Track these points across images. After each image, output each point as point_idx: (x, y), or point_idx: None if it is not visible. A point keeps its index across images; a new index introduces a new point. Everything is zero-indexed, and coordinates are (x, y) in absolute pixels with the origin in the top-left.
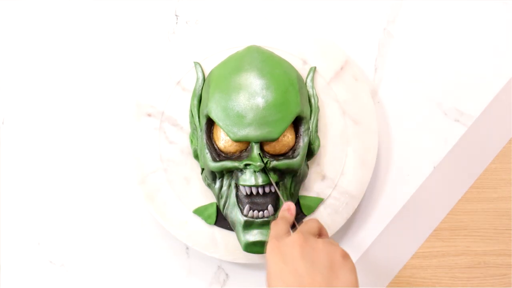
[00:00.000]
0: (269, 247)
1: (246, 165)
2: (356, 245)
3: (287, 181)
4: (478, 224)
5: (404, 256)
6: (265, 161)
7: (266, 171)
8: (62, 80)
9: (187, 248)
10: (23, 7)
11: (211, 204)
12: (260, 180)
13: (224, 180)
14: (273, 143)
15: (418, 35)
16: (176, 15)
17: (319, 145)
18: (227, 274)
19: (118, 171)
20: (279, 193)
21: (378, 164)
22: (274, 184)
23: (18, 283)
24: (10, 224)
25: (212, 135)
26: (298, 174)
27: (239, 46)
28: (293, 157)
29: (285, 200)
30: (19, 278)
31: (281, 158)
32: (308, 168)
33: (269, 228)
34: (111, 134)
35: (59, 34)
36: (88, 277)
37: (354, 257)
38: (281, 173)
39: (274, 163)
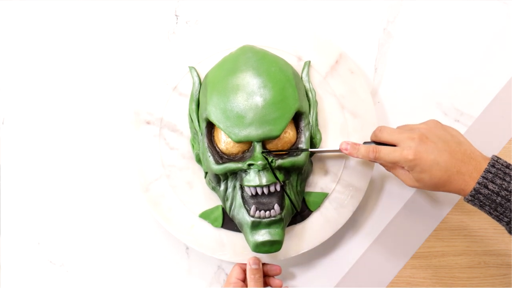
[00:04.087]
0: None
1: (249, 165)
2: (357, 244)
3: (293, 179)
4: (478, 224)
5: (404, 256)
6: (270, 160)
7: (272, 170)
8: (62, 81)
9: (187, 248)
10: (23, 9)
11: (217, 207)
12: (264, 180)
13: (229, 182)
14: (275, 141)
15: (418, 35)
16: (176, 15)
17: (320, 139)
18: (227, 274)
19: (121, 178)
20: (287, 191)
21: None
22: (280, 183)
23: (18, 283)
24: (10, 224)
25: (213, 138)
26: (303, 171)
27: (236, 46)
28: (297, 155)
29: (291, 199)
30: (19, 278)
31: (286, 156)
32: (312, 164)
33: (276, 227)
34: (111, 144)
35: (59, 34)
36: (88, 277)
37: (355, 257)
38: (286, 171)
39: (279, 161)
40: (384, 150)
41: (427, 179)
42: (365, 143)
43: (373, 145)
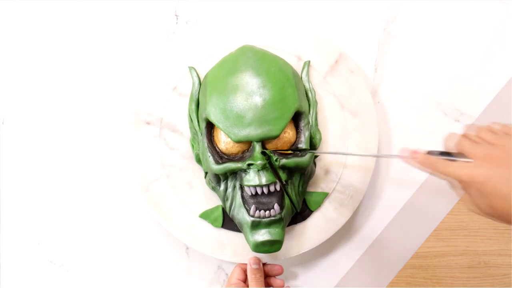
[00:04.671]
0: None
1: (249, 165)
2: (357, 244)
3: (296, 179)
4: (478, 224)
5: (404, 256)
6: (274, 159)
7: (275, 169)
8: (62, 81)
9: (187, 248)
10: (23, 9)
11: (217, 207)
12: (264, 180)
13: (229, 182)
14: (275, 141)
15: (418, 35)
16: (176, 15)
17: (320, 139)
18: (227, 274)
19: (121, 178)
20: (288, 191)
21: (379, 163)
22: (280, 182)
23: (18, 283)
24: (10, 224)
25: (213, 138)
26: (306, 172)
27: (236, 46)
28: (301, 155)
29: (291, 199)
30: (19, 278)
31: (290, 156)
32: (315, 165)
33: (276, 227)
34: (111, 145)
35: (59, 35)
36: (88, 277)
37: (355, 257)
38: (289, 171)
39: (283, 161)
40: (441, 161)
41: (484, 207)
42: (429, 152)
43: (431, 156)
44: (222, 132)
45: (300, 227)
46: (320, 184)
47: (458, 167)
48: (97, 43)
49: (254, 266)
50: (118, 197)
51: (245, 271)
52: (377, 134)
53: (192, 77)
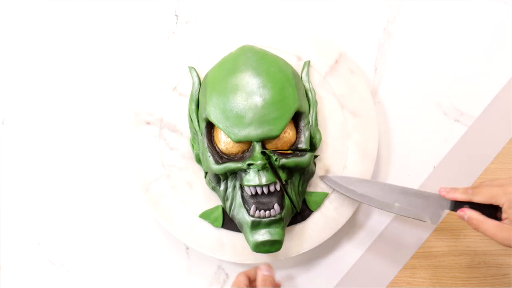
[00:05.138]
0: None
1: (249, 165)
2: (357, 244)
3: (295, 179)
4: None
5: (404, 256)
6: (274, 159)
7: (275, 169)
8: (62, 81)
9: (187, 248)
10: (23, 9)
11: (217, 207)
12: (264, 180)
13: (229, 182)
14: (275, 141)
15: (418, 35)
16: (176, 15)
17: (320, 139)
18: (227, 274)
19: (121, 178)
20: (288, 191)
21: (379, 163)
22: (280, 182)
23: (18, 283)
24: (10, 224)
25: (213, 138)
26: (306, 172)
27: (236, 46)
28: (302, 155)
29: (291, 199)
30: (19, 278)
31: (290, 156)
32: (315, 165)
33: (276, 227)
34: (111, 145)
35: (59, 35)
36: (88, 277)
37: (355, 257)
38: (289, 171)
39: (283, 161)
40: (476, 217)
41: None
42: (471, 205)
43: (477, 214)
44: (222, 132)
45: (300, 227)
46: (320, 184)
47: (493, 226)
48: (97, 43)
49: (265, 273)
50: (118, 197)
51: (249, 278)
52: (377, 134)
53: (192, 77)
